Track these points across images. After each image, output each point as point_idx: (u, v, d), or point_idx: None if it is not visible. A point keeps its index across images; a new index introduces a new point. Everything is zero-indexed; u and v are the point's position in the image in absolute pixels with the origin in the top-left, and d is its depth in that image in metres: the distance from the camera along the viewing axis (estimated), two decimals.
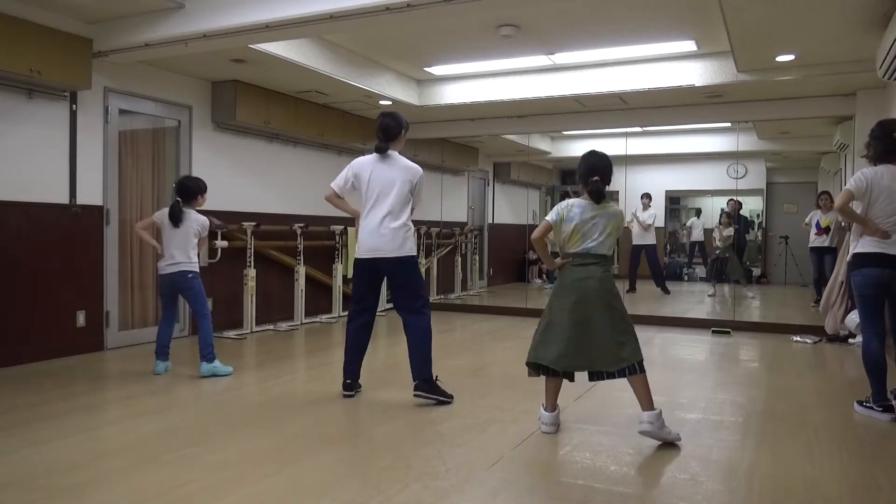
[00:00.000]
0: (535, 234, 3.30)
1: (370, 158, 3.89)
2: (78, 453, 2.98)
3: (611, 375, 3.16)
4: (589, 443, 3.17)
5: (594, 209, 3.18)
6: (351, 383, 3.99)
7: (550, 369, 3.21)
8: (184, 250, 4.49)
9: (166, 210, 4.55)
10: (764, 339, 6.35)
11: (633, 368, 3.12)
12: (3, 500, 2.47)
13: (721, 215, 9.09)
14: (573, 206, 3.20)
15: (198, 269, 4.58)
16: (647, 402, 3.13)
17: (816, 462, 2.95)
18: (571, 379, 3.28)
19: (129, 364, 4.93)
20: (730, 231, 8.74)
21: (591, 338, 3.13)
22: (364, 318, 4.00)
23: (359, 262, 3.90)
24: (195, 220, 4.54)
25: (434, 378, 3.85)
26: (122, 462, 2.88)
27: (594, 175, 3.20)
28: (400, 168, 3.84)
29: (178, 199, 4.54)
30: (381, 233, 3.77)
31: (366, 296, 3.98)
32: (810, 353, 5.71)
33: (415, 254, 3.87)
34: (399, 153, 3.92)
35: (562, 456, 3.03)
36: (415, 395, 3.81)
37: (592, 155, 3.30)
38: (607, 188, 3.24)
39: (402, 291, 3.89)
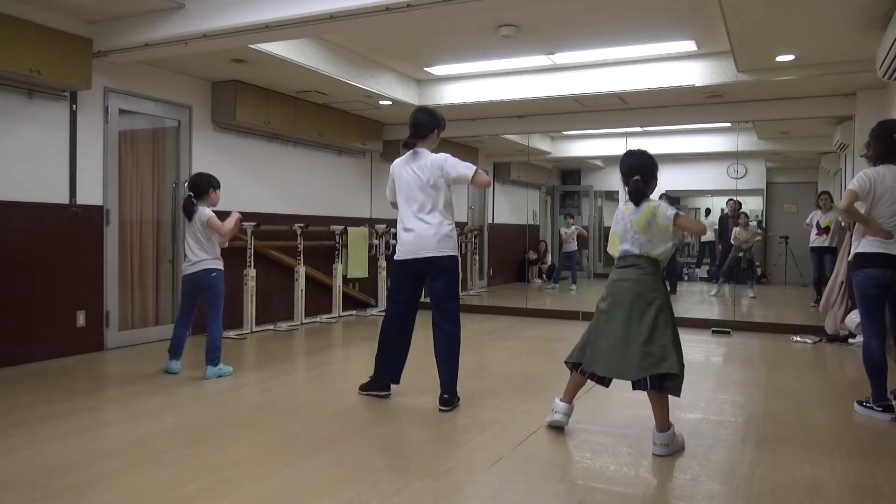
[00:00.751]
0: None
1: (402, 158, 3.83)
2: (78, 453, 2.98)
3: (637, 386, 2.99)
4: (589, 443, 3.18)
5: (631, 209, 3.10)
6: (381, 380, 3.87)
7: (575, 364, 3.24)
8: (202, 247, 4.44)
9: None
10: (764, 339, 6.35)
11: (653, 381, 2.93)
12: (3, 500, 2.47)
13: (739, 216, 9.02)
14: (619, 212, 3.17)
15: (221, 266, 4.51)
16: (661, 421, 3.00)
17: (816, 462, 2.95)
18: (606, 384, 3.17)
19: (129, 364, 4.93)
20: (757, 232, 8.74)
21: (614, 341, 3.02)
22: (394, 318, 3.85)
23: (397, 263, 3.81)
24: (199, 214, 4.49)
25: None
26: (122, 462, 2.88)
27: (635, 175, 3.10)
28: (425, 165, 3.70)
29: (190, 193, 4.53)
30: (418, 233, 3.67)
31: (399, 296, 3.85)
32: (810, 353, 5.71)
33: (456, 253, 3.73)
34: (431, 151, 3.79)
35: (562, 456, 3.04)
36: (441, 410, 3.67)
37: (630, 155, 3.17)
38: (656, 187, 3.15)
39: (438, 293, 3.73)
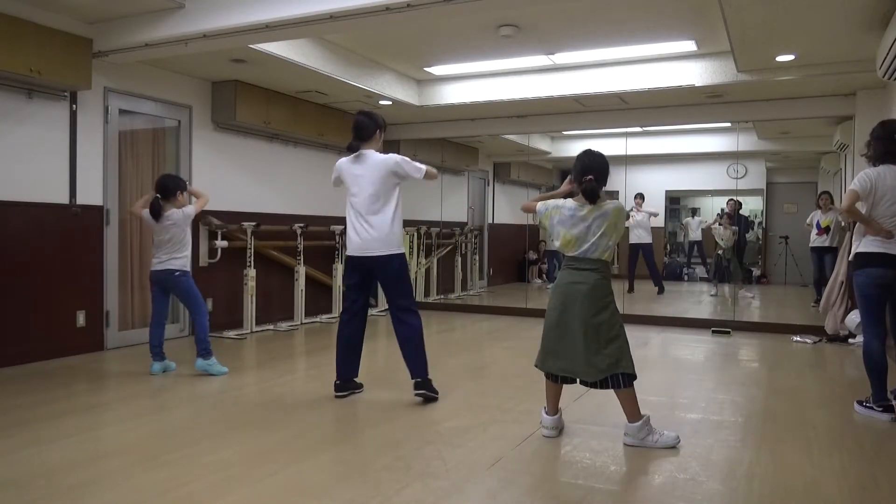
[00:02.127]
0: (526, 206, 3.37)
1: (347, 159, 3.95)
2: (78, 453, 2.98)
3: (593, 385, 3.10)
4: (589, 443, 3.17)
5: (587, 210, 3.09)
6: (341, 384, 3.98)
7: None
8: (170, 249, 4.51)
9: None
10: (764, 339, 6.34)
11: (615, 381, 3.05)
12: (3, 500, 2.47)
13: (721, 215, 9.10)
14: (564, 208, 3.13)
15: (186, 268, 4.57)
16: (630, 413, 3.11)
17: (816, 462, 2.95)
18: (570, 381, 3.20)
19: (128, 364, 4.93)
20: (729, 232, 8.77)
21: (572, 344, 3.08)
22: (349, 316, 3.99)
23: (348, 260, 3.95)
24: (178, 217, 4.51)
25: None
26: (122, 462, 2.88)
27: (588, 174, 3.12)
28: (371, 165, 3.84)
29: (157, 195, 4.56)
30: (362, 231, 3.80)
31: (354, 293, 3.99)
32: (810, 353, 5.71)
33: (401, 251, 3.85)
34: (376, 151, 3.93)
35: (562, 456, 3.03)
36: (416, 395, 3.82)
37: (587, 154, 3.21)
38: (604, 188, 3.17)
39: (390, 290, 3.89)
